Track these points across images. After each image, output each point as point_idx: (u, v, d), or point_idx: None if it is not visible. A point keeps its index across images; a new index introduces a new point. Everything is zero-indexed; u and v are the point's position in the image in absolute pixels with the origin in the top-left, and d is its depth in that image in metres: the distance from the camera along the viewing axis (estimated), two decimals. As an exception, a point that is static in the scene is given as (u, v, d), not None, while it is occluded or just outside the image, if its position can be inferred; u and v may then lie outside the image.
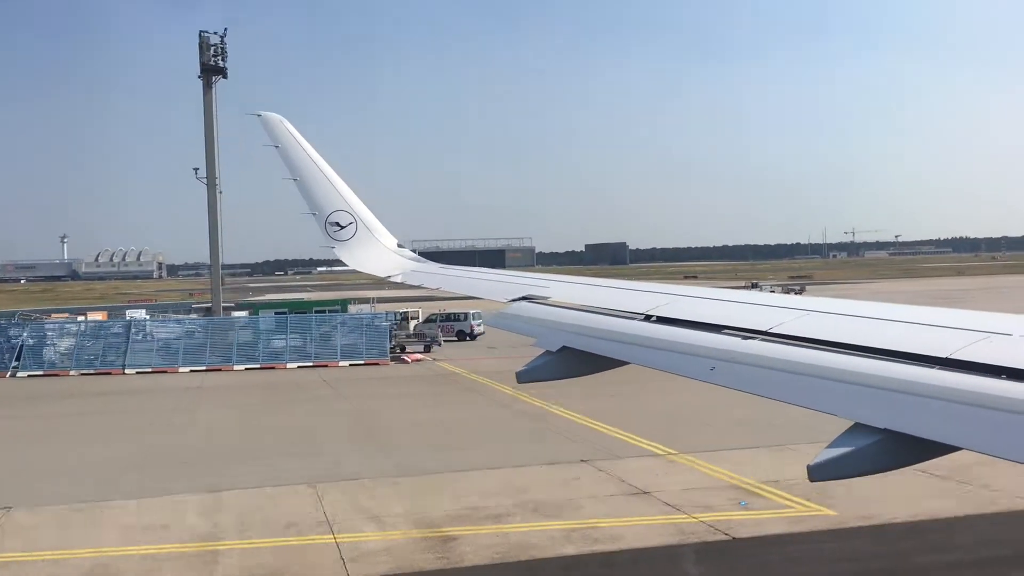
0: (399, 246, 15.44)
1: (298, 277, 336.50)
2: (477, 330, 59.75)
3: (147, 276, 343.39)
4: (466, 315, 60.30)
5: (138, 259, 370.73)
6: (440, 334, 55.17)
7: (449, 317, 60.77)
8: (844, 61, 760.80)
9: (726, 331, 6.89)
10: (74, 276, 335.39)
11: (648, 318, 7.88)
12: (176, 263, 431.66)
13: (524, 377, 8.21)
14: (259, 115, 15.43)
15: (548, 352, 8.19)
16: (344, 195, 15.10)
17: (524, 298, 10.11)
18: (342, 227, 14.95)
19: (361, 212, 15.14)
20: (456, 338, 58.71)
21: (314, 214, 14.96)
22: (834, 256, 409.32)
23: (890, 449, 4.99)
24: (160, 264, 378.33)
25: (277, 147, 15.09)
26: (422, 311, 61.54)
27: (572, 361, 8.02)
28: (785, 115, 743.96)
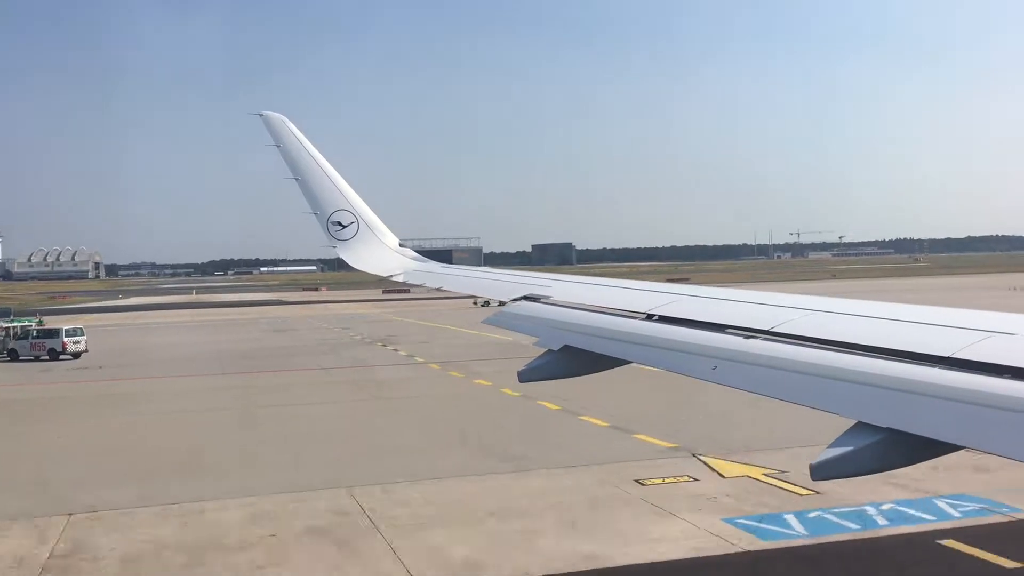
0: (401, 245, 15.42)
1: (232, 278, 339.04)
2: (72, 348, 53.19)
3: (82, 276, 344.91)
4: (58, 331, 54.65)
5: (73, 259, 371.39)
6: (32, 349, 53.01)
7: (43, 333, 55.39)
8: (794, 63, 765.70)
9: (728, 330, 6.87)
10: (6, 276, 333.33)
11: (650, 317, 7.87)
12: (121, 263, 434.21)
13: (525, 376, 8.19)
14: (261, 115, 15.43)
15: (550, 351, 8.17)
16: (346, 194, 15.09)
17: (525, 297, 10.09)
18: (344, 227, 14.94)
19: (363, 211, 15.13)
20: (48, 356, 52.79)
21: (316, 213, 14.95)
22: (778, 257, 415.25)
23: (893, 448, 4.97)
24: (97, 264, 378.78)
25: (279, 147, 15.08)
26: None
27: (573, 360, 8.00)
28: (735, 117, 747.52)
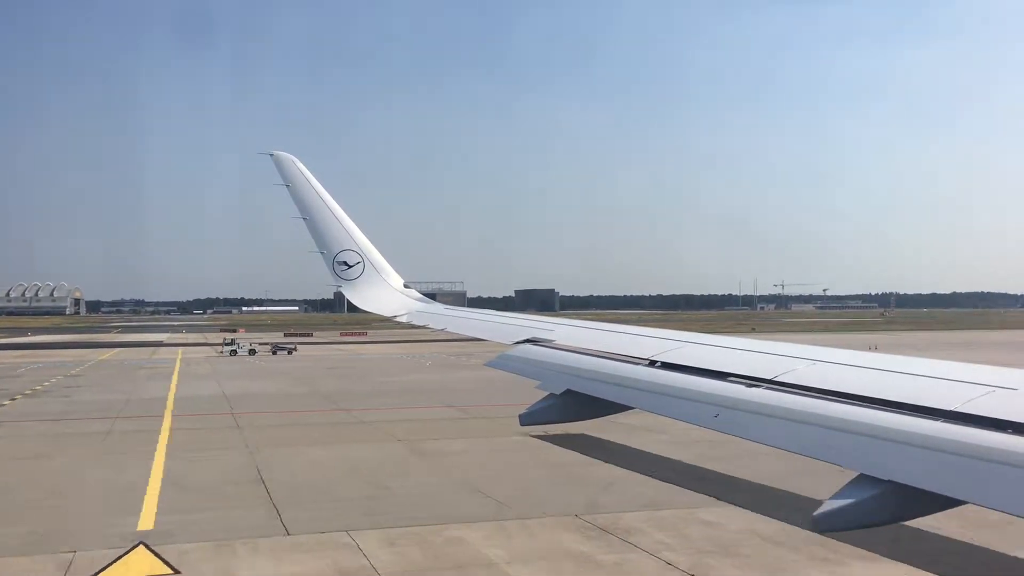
0: (406, 286, 15.47)
1: (207, 317, 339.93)
2: None
3: (59, 312, 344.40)
4: None
5: (51, 295, 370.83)
6: None
7: None
8: (781, 115, 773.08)
9: (731, 378, 6.87)
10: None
11: (653, 363, 7.86)
12: (105, 299, 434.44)
13: (527, 419, 8.17)
14: (272, 154, 15.60)
15: (552, 395, 8.16)
16: (353, 235, 15.19)
17: (528, 340, 10.09)
18: (350, 266, 15.01)
19: (369, 252, 15.22)
20: None
21: (322, 253, 15.04)
22: (761, 308, 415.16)
23: (895, 501, 4.94)
24: (77, 300, 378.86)
25: (288, 186, 15.22)
26: None
27: (575, 404, 7.98)
28: (723, 167, 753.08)
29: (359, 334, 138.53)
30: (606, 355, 8.61)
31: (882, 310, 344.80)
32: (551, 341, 9.86)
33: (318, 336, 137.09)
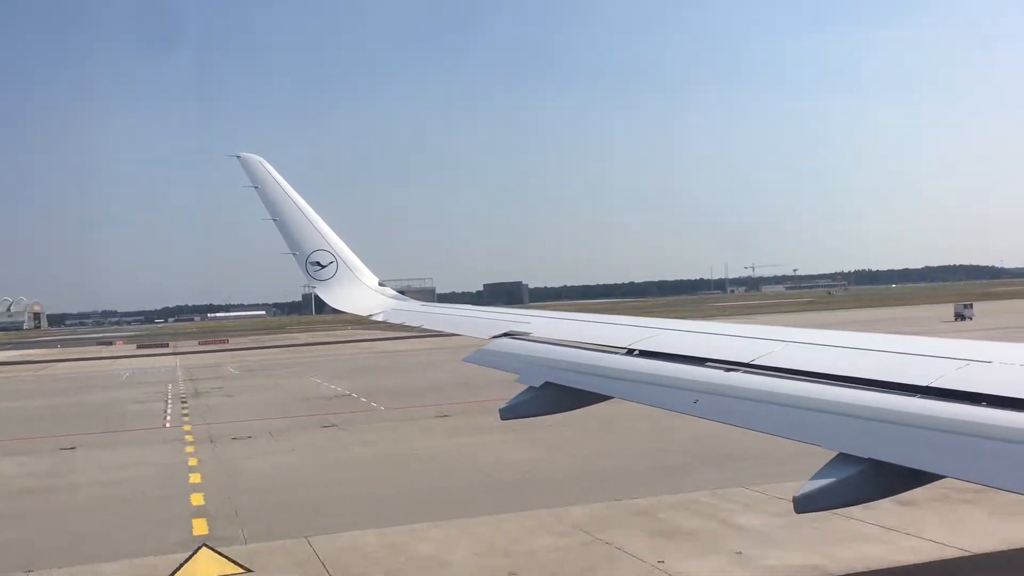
0: (381, 284, 15.41)
1: (168, 325, 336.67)
2: None
3: (17, 327, 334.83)
4: None
5: (8, 310, 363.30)
6: None
7: None
8: (747, 97, 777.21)
9: (709, 364, 6.90)
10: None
11: (631, 352, 7.89)
12: (71, 312, 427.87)
13: (507, 413, 8.17)
14: (239, 156, 15.47)
15: (531, 388, 8.16)
16: (324, 234, 15.11)
17: (506, 334, 10.08)
18: (323, 266, 14.92)
19: (341, 251, 15.14)
20: None
21: (295, 254, 14.94)
22: (732, 291, 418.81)
23: (875, 478, 4.99)
24: (36, 314, 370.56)
25: (256, 188, 15.10)
26: None
27: (555, 396, 7.99)
28: (692, 150, 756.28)
29: (220, 342, 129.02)
30: (584, 346, 8.64)
31: (828, 290, 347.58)
32: (528, 334, 9.87)
33: (175, 346, 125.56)
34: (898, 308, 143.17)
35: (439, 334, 12.85)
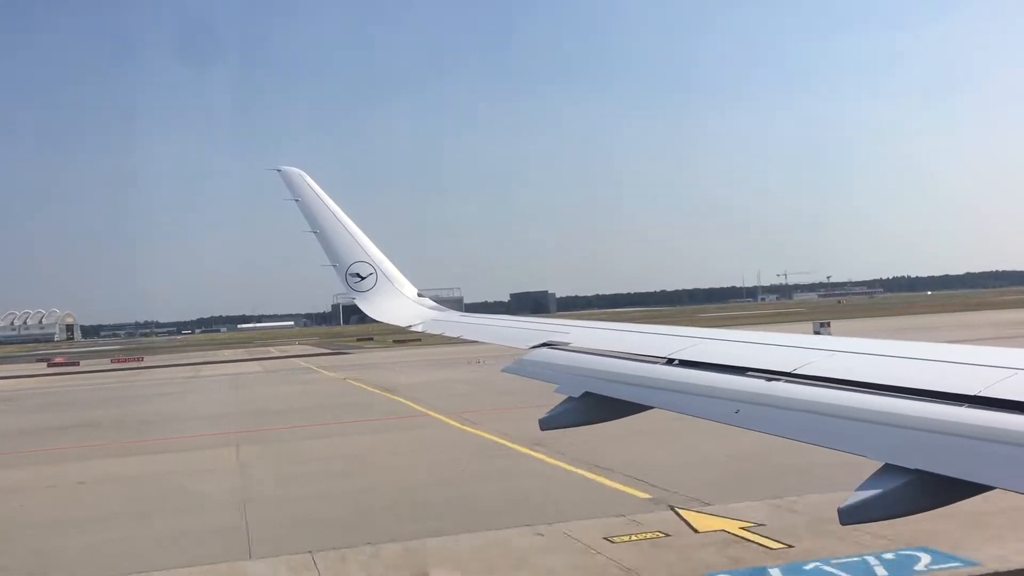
0: (419, 295, 15.49)
1: (207, 335, 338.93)
2: None
3: (48, 339, 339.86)
4: None
5: (40, 322, 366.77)
6: None
7: None
8: (779, 104, 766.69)
9: (750, 373, 6.83)
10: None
11: (671, 362, 7.83)
12: (105, 323, 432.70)
13: (547, 424, 8.14)
14: (279, 170, 15.67)
15: (570, 398, 8.13)
16: (364, 246, 15.24)
17: (545, 344, 10.07)
18: (362, 278, 15.05)
19: (381, 263, 15.25)
20: None
21: (335, 266, 15.09)
22: (762, 299, 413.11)
23: (922, 490, 4.89)
24: (69, 326, 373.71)
25: (297, 201, 15.28)
26: None
27: (594, 407, 7.95)
28: (723, 157, 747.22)
29: (136, 360, 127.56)
30: (623, 355, 8.58)
31: (838, 299, 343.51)
32: (567, 344, 9.84)
33: (86, 364, 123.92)
34: (919, 317, 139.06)
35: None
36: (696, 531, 19.96)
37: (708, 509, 21.67)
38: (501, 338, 11.92)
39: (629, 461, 27.71)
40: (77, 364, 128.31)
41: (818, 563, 17.02)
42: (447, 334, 13.70)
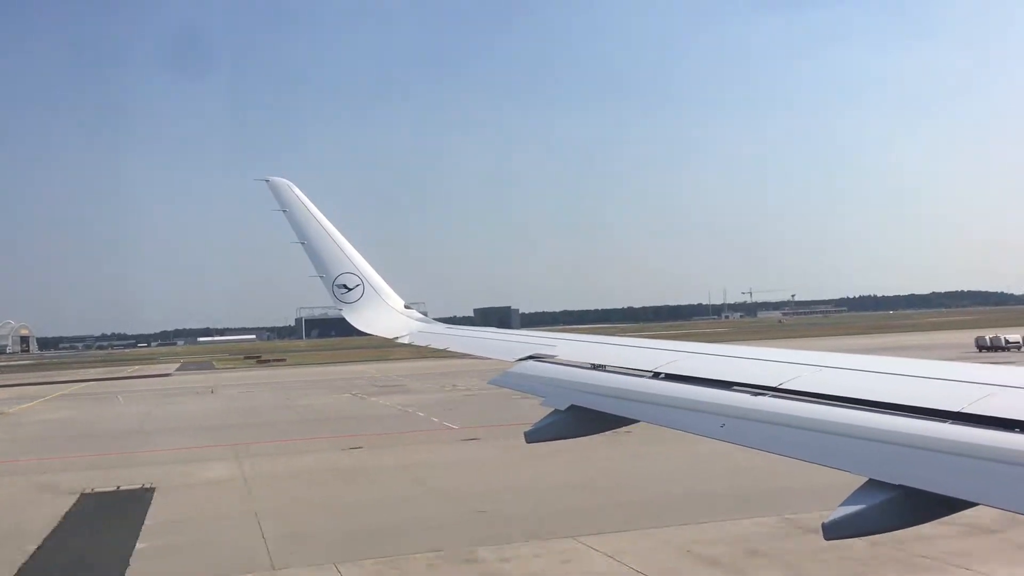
0: (406, 307, 15.47)
1: (144, 349, 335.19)
2: None
3: (0, 351, 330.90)
4: None
5: None
6: None
7: None
8: (749, 123, 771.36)
9: (736, 387, 6.85)
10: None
11: (657, 375, 7.84)
12: (65, 335, 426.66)
13: (533, 436, 8.13)
14: (267, 180, 15.63)
15: (556, 411, 8.13)
16: (351, 257, 15.21)
17: (531, 357, 10.07)
18: (349, 289, 15.02)
19: (368, 274, 15.23)
20: None
21: (321, 277, 15.05)
22: (726, 317, 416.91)
23: (906, 505, 4.92)
24: (24, 338, 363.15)
25: (285, 211, 15.25)
26: None
27: (581, 420, 7.95)
28: (692, 175, 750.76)
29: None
30: (610, 368, 8.59)
31: (779, 318, 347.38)
32: (553, 357, 9.84)
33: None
34: (844, 339, 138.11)
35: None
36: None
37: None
38: (487, 350, 11.90)
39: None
40: None
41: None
42: (433, 345, 13.68)
